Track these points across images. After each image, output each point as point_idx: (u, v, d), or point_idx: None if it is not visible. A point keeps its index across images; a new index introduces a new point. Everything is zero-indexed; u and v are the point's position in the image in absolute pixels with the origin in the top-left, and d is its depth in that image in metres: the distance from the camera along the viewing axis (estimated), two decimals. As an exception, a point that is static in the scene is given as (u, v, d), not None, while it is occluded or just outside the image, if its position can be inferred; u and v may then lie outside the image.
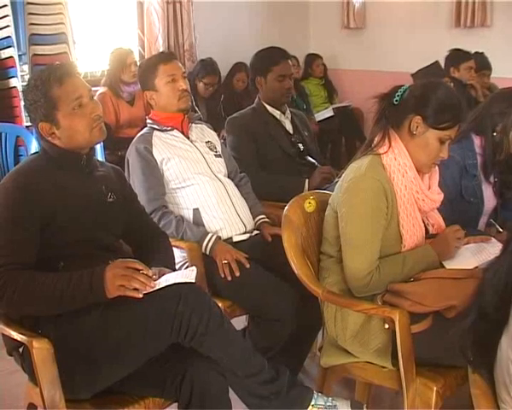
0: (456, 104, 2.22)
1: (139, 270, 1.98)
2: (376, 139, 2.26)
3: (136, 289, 1.93)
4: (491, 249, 2.27)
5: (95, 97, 2.23)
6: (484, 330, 1.58)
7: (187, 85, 2.94)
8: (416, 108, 2.20)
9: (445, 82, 2.51)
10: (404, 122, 2.23)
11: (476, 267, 2.22)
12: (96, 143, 2.25)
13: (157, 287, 1.97)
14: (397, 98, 2.24)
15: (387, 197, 2.19)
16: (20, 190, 2.03)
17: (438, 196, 2.34)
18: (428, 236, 2.35)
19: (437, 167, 2.35)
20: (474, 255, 2.29)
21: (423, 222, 2.32)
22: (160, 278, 2.03)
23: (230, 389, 2.10)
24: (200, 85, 5.56)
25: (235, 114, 3.54)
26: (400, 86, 2.27)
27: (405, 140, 2.23)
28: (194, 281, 2.03)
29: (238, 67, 6.04)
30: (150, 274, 1.99)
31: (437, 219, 2.38)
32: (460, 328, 1.66)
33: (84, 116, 2.12)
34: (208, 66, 5.60)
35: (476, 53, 5.13)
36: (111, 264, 1.99)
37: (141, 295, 1.93)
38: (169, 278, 2.02)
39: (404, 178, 2.22)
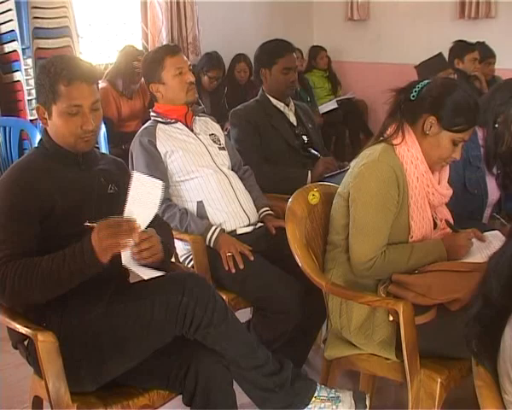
0: (472, 107, 2.19)
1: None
2: (389, 130, 2.25)
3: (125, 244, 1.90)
4: (497, 244, 2.25)
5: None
6: (489, 319, 1.58)
7: (193, 78, 2.95)
8: (432, 108, 2.18)
9: (463, 83, 2.48)
10: (419, 120, 2.22)
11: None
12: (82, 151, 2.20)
13: (129, 213, 1.94)
14: (414, 94, 2.22)
15: (399, 186, 2.18)
16: (19, 184, 2.02)
17: (447, 191, 2.33)
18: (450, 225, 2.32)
19: None
20: (481, 251, 2.28)
21: (432, 216, 2.31)
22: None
23: (235, 382, 2.11)
24: (205, 79, 5.56)
25: (238, 107, 3.53)
26: (418, 81, 2.25)
27: (418, 137, 2.22)
28: (161, 189, 2.03)
29: (238, 57, 6.05)
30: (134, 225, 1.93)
31: (445, 215, 2.37)
32: (465, 319, 1.66)
33: (74, 125, 2.07)
34: (213, 59, 5.60)
35: (478, 43, 5.10)
36: (94, 228, 1.92)
37: (132, 243, 1.91)
38: (134, 195, 1.99)
39: (416, 170, 2.21)
